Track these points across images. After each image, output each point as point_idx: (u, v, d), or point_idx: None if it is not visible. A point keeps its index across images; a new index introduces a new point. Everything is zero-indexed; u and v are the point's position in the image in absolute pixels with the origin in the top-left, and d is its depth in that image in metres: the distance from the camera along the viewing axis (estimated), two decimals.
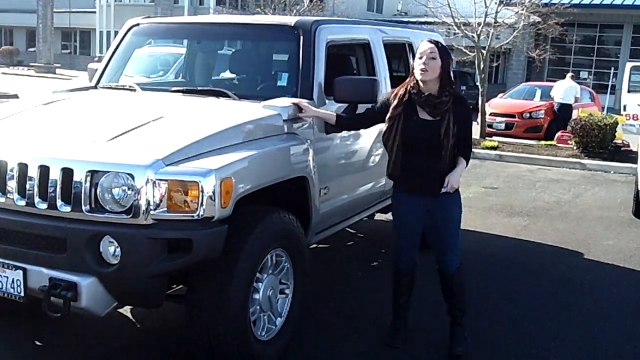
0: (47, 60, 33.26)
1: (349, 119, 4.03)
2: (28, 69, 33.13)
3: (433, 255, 3.95)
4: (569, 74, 16.14)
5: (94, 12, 38.26)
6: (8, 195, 3.13)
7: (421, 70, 3.61)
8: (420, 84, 3.65)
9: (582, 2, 25.34)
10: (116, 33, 5.36)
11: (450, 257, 3.86)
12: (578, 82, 15.80)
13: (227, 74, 4.88)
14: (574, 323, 4.49)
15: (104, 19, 36.77)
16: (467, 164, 3.76)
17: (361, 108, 4.23)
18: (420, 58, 3.63)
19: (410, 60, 5.65)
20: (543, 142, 14.04)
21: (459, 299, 3.95)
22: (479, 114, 14.15)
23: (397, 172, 3.74)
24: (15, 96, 12.44)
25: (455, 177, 3.67)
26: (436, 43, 3.67)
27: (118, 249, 2.97)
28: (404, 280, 3.99)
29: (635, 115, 14.74)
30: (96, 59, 26.26)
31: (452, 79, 3.71)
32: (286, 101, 3.84)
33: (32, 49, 40.50)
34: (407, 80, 3.78)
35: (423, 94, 3.64)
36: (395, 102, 3.73)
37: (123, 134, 3.25)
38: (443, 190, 3.67)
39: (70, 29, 42.14)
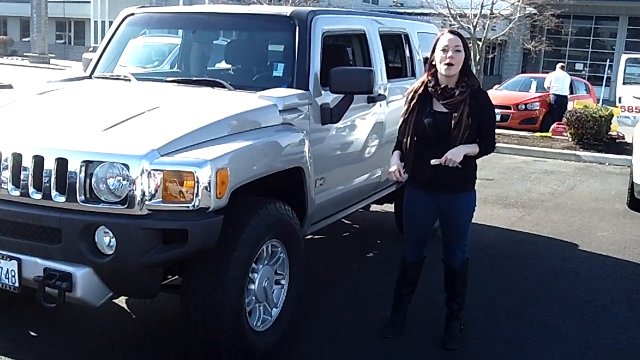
0: (41, 50, 33.07)
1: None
2: (22, 59, 32.95)
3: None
4: (559, 65, 16.18)
5: (89, 2, 38.05)
6: (2, 186, 3.11)
7: (447, 64, 3.50)
8: (439, 76, 3.59)
9: None
10: (111, 23, 5.33)
11: (456, 253, 3.86)
12: (574, 74, 15.80)
13: (222, 65, 4.85)
14: (568, 313, 4.50)
15: (98, 8, 36.57)
16: (481, 154, 3.62)
17: (357, 100, 4.24)
18: (445, 51, 3.52)
19: (406, 51, 5.64)
20: (538, 134, 14.06)
21: (459, 293, 3.96)
22: None
23: (410, 166, 3.70)
24: (10, 86, 12.40)
25: (454, 151, 3.50)
26: (459, 35, 3.58)
27: (113, 240, 2.96)
28: (408, 272, 4.00)
29: (630, 107, 14.75)
30: (91, 49, 26.14)
31: (471, 71, 3.64)
32: (282, 91, 3.83)
33: (26, 39, 40.28)
34: (423, 76, 3.70)
35: (439, 86, 3.59)
36: (411, 95, 3.70)
37: (118, 124, 3.24)
38: (433, 162, 3.52)
39: (65, 18, 41.90)
